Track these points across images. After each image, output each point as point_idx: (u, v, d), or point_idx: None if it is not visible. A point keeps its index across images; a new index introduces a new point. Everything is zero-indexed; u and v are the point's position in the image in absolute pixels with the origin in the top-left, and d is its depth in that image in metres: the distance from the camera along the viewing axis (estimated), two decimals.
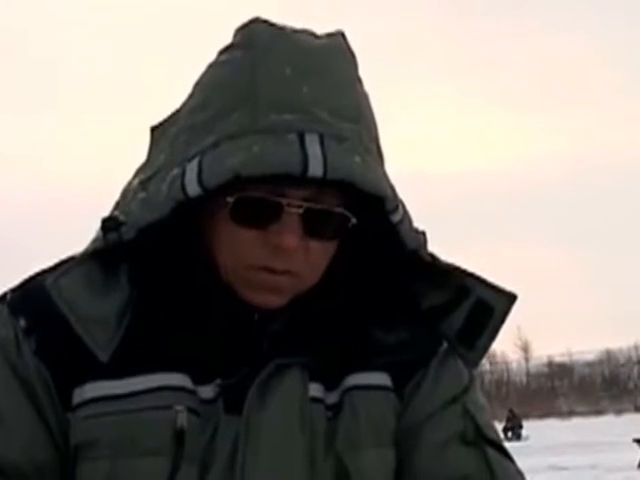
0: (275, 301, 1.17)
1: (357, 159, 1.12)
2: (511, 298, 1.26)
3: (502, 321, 1.25)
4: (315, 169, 1.09)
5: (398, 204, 1.18)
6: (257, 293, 1.16)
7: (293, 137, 1.10)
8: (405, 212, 1.20)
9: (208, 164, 1.12)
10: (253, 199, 1.12)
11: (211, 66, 1.20)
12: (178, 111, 1.23)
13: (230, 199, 1.12)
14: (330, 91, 1.14)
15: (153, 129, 1.28)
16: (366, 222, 1.19)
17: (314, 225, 1.14)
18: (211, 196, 1.12)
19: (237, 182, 1.10)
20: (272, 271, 1.14)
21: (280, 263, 1.14)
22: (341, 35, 1.21)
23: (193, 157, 1.13)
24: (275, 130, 1.11)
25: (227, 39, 1.20)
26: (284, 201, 1.12)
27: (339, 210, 1.15)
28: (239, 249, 1.15)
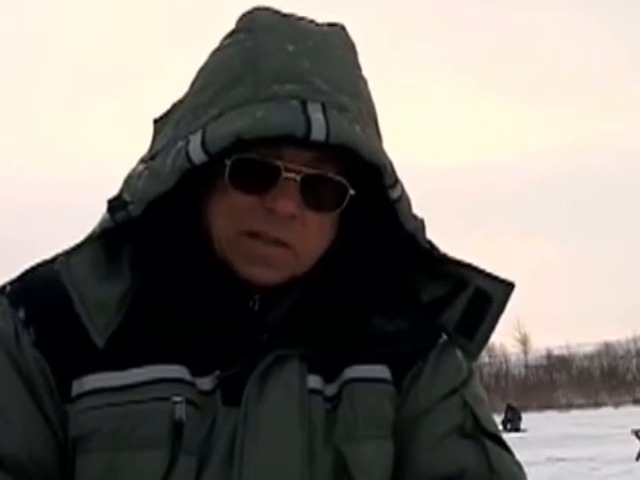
0: (268, 275, 1.17)
1: (357, 128, 1.14)
2: (509, 287, 1.26)
3: (501, 310, 1.25)
4: (318, 132, 1.10)
5: (397, 180, 1.19)
6: (251, 265, 1.16)
7: (296, 103, 1.12)
8: (404, 191, 1.20)
9: (211, 130, 1.13)
10: (251, 160, 1.13)
11: (215, 51, 1.22)
12: (181, 101, 1.24)
13: (228, 162, 1.13)
14: (330, 67, 1.16)
15: (156, 121, 1.28)
16: (365, 200, 1.19)
17: (312, 194, 1.15)
18: (214, 165, 1.13)
19: (240, 148, 1.11)
20: (263, 238, 1.14)
21: (273, 229, 1.14)
22: (341, 27, 1.23)
23: (197, 129, 1.15)
24: (278, 98, 1.12)
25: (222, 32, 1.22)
26: (282, 164, 1.13)
27: (337, 178, 1.16)
28: (234, 215, 1.15)
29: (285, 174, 1.13)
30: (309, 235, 1.17)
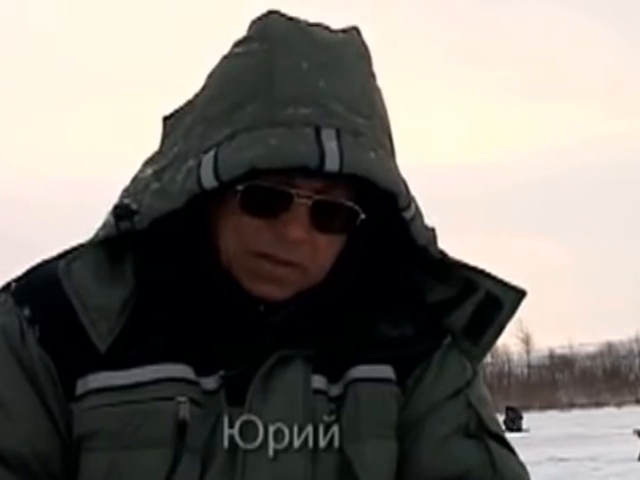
0: (277, 293, 1.17)
1: (372, 155, 1.13)
2: (520, 294, 1.25)
3: (510, 316, 1.25)
4: (332, 163, 1.10)
5: (410, 201, 1.18)
6: (258, 283, 1.16)
7: (309, 131, 1.11)
8: (417, 209, 1.20)
9: (224, 157, 1.12)
10: (263, 188, 1.13)
11: (226, 57, 1.20)
12: (191, 102, 1.23)
13: (240, 187, 1.12)
14: (345, 86, 1.15)
15: (165, 119, 1.28)
16: (377, 217, 1.19)
17: (322, 218, 1.14)
18: (224, 186, 1.13)
19: (252, 174, 1.11)
20: (274, 260, 1.14)
21: (283, 253, 1.14)
22: (355, 30, 1.21)
23: (209, 149, 1.14)
24: (292, 123, 1.11)
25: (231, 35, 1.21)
26: (294, 192, 1.13)
27: (349, 204, 1.16)
28: (244, 235, 1.15)
29: (297, 200, 1.13)
30: (319, 255, 1.17)
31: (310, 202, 1.13)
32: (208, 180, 1.12)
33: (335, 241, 1.18)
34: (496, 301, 1.24)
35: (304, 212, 1.13)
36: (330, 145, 1.10)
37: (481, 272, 1.26)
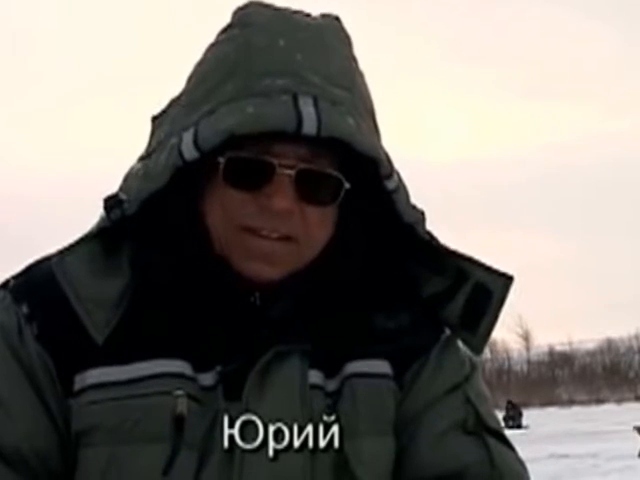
0: (268, 271, 1.17)
1: (350, 121, 1.14)
2: (508, 280, 1.26)
3: (501, 304, 1.25)
4: (309, 127, 1.11)
5: (393, 171, 1.19)
6: (248, 261, 1.16)
7: (287, 98, 1.12)
8: (401, 182, 1.21)
9: (203, 127, 1.13)
10: (245, 159, 1.13)
11: (211, 46, 1.22)
12: (178, 97, 1.24)
13: (222, 159, 1.13)
14: (323, 60, 1.16)
15: (154, 118, 1.29)
16: (363, 193, 1.20)
17: (307, 188, 1.15)
18: (207, 161, 1.13)
19: (232, 144, 1.11)
20: (261, 234, 1.15)
21: (270, 225, 1.14)
22: (335, 18, 1.22)
23: (190, 126, 1.15)
24: (269, 93, 1.12)
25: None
26: (276, 161, 1.13)
27: (333, 173, 1.16)
28: (229, 210, 1.16)
29: (279, 170, 1.13)
30: (311, 228, 1.17)
31: (293, 172, 1.14)
32: (189, 151, 1.13)
33: (325, 214, 1.18)
34: (486, 290, 1.24)
35: (287, 182, 1.13)
36: (308, 110, 1.11)
37: (470, 260, 1.26)
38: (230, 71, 1.16)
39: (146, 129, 1.28)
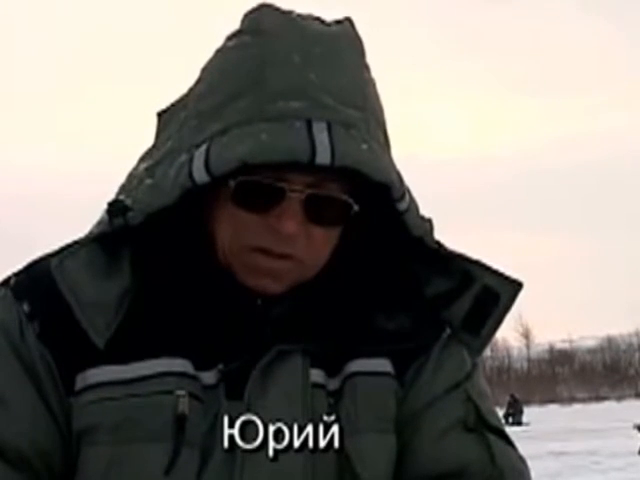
0: (273, 287, 1.17)
1: (364, 146, 1.13)
2: (517, 286, 1.25)
3: (507, 309, 1.25)
4: (323, 157, 1.10)
5: (404, 192, 1.18)
6: (254, 277, 1.17)
7: (301, 124, 1.11)
8: (411, 200, 1.20)
9: (216, 151, 1.12)
10: (255, 183, 1.13)
11: (219, 51, 1.20)
12: (186, 95, 1.23)
13: (233, 182, 1.13)
14: (337, 78, 1.14)
15: (160, 114, 1.28)
16: (371, 209, 1.19)
17: (316, 211, 1.14)
18: (217, 181, 1.13)
19: (244, 169, 1.11)
20: (269, 254, 1.15)
21: (278, 246, 1.14)
22: (348, 21, 1.21)
23: (201, 143, 1.14)
24: (283, 118, 1.11)
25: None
26: (286, 186, 1.13)
27: (342, 197, 1.16)
28: (239, 230, 1.15)
29: (289, 194, 1.13)
30: (314, 247, 1.17)
31: (303, 195, 1.13)
32: (200, 175, 1.12)
33: (330, 234, 1.18)
34: (493, 294, 1.24)
35: (297, 205, 1.13)
36: (321, 138, 1.10)
37: (477, 263, 1.26)
38: (243, 86, 1.14)
39: (143, 129, 1.27)
